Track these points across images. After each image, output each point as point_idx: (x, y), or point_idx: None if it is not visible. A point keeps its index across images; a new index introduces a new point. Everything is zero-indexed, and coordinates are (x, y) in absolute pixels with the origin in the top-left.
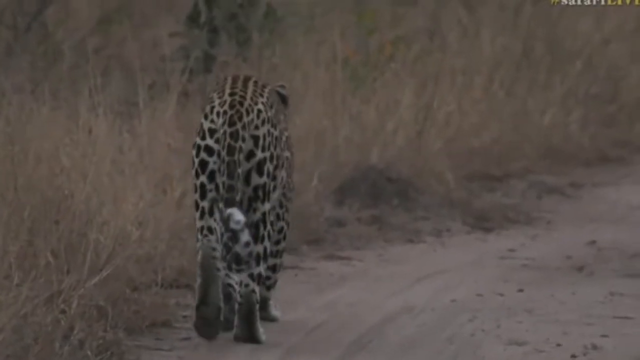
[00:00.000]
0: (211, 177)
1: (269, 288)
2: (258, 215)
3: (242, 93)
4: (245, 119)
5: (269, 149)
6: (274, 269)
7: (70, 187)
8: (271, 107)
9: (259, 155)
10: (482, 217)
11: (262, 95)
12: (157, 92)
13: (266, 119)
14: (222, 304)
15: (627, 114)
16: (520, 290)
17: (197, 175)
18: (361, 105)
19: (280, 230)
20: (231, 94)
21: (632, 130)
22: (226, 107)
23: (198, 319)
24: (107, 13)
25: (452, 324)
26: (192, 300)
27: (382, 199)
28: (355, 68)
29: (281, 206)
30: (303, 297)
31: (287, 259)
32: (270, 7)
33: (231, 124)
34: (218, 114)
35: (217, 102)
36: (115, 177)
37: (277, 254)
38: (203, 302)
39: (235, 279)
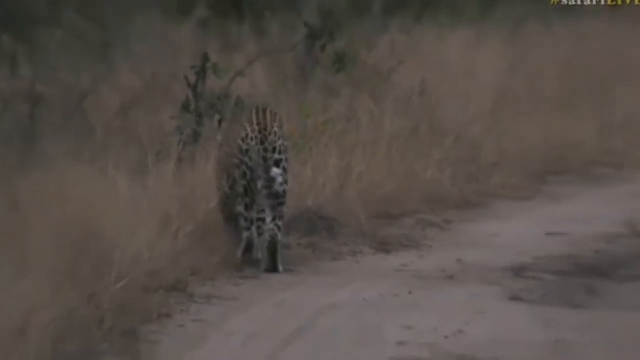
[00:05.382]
0: (249, 183)
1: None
2: None
3: (264, 123)
4: (268, 140)
5: (282, 153)
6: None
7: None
8: (281, 126)
9: (276, 156)
10: (384, 243)
11: (275, 122)
12: (161, 158)
13: (280, 136)
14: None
15: (484, 172)
16: (410, 293)
17: (242, 178)
18: (300, 167)
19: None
20: (257, 124)
21: (489, 184)
22: (256, 133)
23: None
24: (127, 102)
25: (364, 315)
26: None
27: (316, 231)
28: (297, 141)
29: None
30: (261, 298)
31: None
32: (239, 99)
33: (261, 143)
34: (251, 138)
35: (249, 129)
36: (131, 217)
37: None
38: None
39: (266, 227)
